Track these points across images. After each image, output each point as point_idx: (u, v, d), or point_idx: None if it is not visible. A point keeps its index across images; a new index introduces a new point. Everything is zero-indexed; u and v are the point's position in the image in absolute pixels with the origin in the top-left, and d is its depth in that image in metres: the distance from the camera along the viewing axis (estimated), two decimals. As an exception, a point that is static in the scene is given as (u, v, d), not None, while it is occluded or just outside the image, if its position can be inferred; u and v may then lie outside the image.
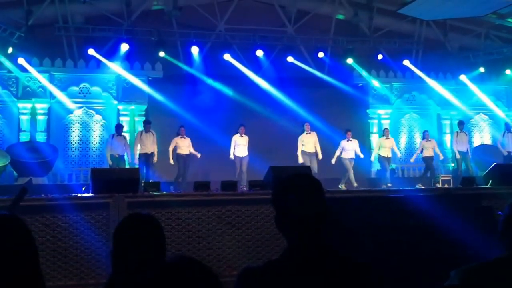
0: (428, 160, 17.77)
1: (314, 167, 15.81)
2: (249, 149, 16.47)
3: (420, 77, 20.35)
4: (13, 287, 2.25)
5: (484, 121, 21.44)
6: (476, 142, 20.95)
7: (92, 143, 18.18)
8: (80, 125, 18.13)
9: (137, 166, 15.32)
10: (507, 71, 20.40)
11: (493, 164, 12.42)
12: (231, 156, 16.21)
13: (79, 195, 9.39)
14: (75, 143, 18.06)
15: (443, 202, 9.81)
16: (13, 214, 2.53)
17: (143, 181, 12.39)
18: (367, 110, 20.36)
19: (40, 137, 17.51)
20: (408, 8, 17.84)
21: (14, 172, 16.18)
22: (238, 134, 16.46)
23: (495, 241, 3.10)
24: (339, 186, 16.23)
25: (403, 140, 20.71)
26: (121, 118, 18.16)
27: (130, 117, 18.31)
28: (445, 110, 20.91)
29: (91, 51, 17.63)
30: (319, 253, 2.47)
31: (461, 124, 18.40)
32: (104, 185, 9.22)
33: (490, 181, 11.73)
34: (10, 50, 16.93)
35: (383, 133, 17.79)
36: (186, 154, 16.20)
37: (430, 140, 17.94)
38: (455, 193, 10.86)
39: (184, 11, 18.84)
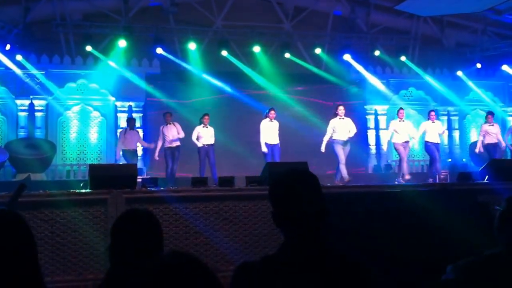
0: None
1: (342, 157, 14.07)
2: (248, 145, 16.12)
3: (417, 73, 20.39)
4: (12, 282, 2.28)
5: (480, 117, 21.47)
6: (473, 138, 20.98)
7: (90, 139, 18.23)
8: (78, 121, 18.18)
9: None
10: (504, 67, 20.44)
11: (489, 160, 12.46)
12: (263, 149, 14.68)
13: (77, 191, 9.42)
14: (73, 139, 18.11)
15: (439, 197, 9.86)
16: (12, 210, 2.56)
17: (143, 177, 12.48)
18: (364, 106, 20.41)
19: (38, 134, 17.56)
20: (405, 4, 17.86)
21: (13, 168, 16.21)
22: (268, 119, 14.94)
23: (491, 236, 3.13)
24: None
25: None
26: (119, 115, 18.24)
27: (128, 114, 18.31)
28: (442, 106, 20.95)
29: (88, 48, 17.65)
30: (316, 249, 2.49)
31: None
32: (102, 181, 9.25)
33: (487, 177, 11.76)
34: (8, 47, 16.93)
35: (428, 116, 15.74)
36: (208, 145, 15.24)
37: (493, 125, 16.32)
38: (451, 189, 10.89)
39: (181, 7, 18.87)
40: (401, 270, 7.45)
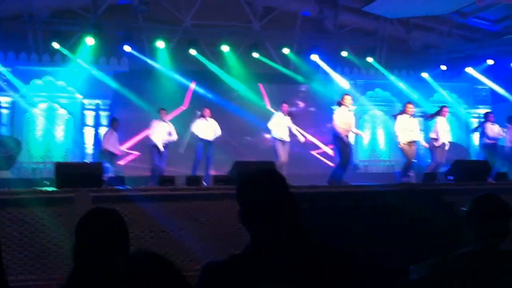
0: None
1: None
2: (216, 144, 15.96)
3: (383, 74, 20.54)
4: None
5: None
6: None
7: (56, 137, 18.04)
8: (44, 119, 17.99)
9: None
10: (468, 69, 20.68)
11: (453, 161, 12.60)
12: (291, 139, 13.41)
13: (43, 189, 9.34)
14: (39, 137, 17.91)
15: (405, 198, 9.98)
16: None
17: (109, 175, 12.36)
18: (332, 107, 20.46)
19: (4, 131, 17.37)
20: (373, 6, 17.98)
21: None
22: (281, 113, 13.76)
23: (455, 236, 3.20)
24: None
25: (366, 137, 20.85)
26: (86, 112, 18.10)
27: (95, 112, 18.20)
28: (408, 107, 21.10)
29: (56, 45, 17.47)
30: (281, 247, 2.50)
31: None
32: (68, 179, 9.19)
33: (452, 177, 11.90)
34: (-26, 43, 16.79)
35: (441, 112, 14.84)
36: (209, 140, 14.51)
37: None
38: (417, 189, 11.02)
39: (150, 6, 18.76)
40: (370, 270, 7.51)
